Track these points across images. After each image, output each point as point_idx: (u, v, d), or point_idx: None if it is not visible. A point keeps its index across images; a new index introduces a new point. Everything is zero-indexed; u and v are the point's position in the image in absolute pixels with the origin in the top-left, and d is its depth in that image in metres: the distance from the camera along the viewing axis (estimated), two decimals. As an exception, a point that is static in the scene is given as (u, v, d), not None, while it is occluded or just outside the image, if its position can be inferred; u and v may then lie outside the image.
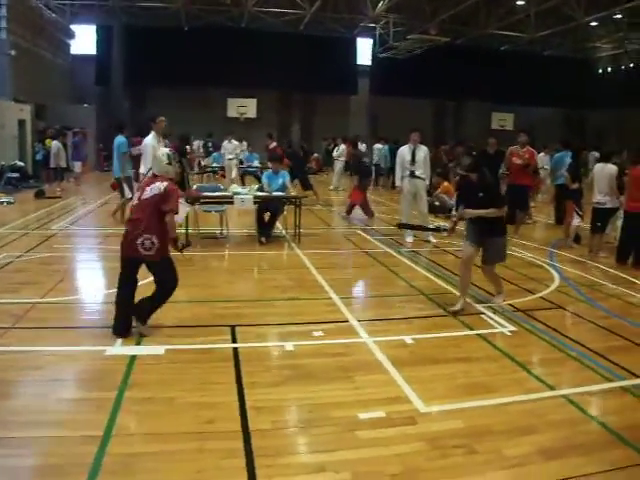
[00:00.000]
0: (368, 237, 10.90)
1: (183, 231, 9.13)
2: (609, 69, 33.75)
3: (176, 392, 4.15)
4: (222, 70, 27.46)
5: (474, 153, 6.61)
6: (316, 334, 5.43)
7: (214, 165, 20.14)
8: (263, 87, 29.00)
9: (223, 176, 19.61)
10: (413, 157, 10.11)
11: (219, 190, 10.60)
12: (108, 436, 3.48)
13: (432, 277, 7.92)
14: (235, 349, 5.00)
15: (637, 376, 4.66)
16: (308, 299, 6.72)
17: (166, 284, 5.29)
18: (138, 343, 5.07)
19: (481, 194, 6.14)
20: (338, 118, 31.20)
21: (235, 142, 19.54)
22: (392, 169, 20.84)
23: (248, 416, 3.78)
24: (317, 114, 32.10)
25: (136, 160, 10.54)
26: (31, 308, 5.96)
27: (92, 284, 7.34)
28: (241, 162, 19.40)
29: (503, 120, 33.05)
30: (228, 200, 9.81)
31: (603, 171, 9.14)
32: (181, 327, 5.55)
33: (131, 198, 11.74)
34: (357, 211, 13.19)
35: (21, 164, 19.08)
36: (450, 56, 28.91)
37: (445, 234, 8.48)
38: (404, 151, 10.28)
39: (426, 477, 3.19)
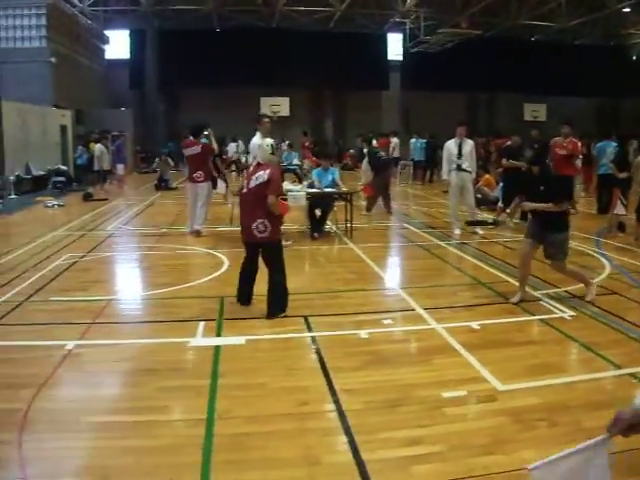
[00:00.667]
0: (417, 230, 11.15)
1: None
2: (643, 56, 33.37)
3: (265, 378, 4.45)
4: (254, 70, 27.93)
5: (536, 146, 6.74)
6: (386, 322, 5.75)
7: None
8: (295, 85, 29.40)
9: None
10: (460, 151, 10.37)
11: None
12: (212, 419, 3.78)
13: (485, 267, 8.16)
14: (313, 337, 5.31)
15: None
16: (371, 290, 7.03)
17: (279, 267, 5.87)
18: (218, 335, 5.39)
19: (542, 187, 6.19)
20: (370, 114, 31.44)
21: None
22: (428, 163, 21.34)
23: (339, 398, 4.08)
24: (349, 110, 32.38)
25: (192, 161, 10.76)
26: (106, 305, 6.34)
27: (158, 281, 7.58)
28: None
29: (536, 111, 32.94)
30: (282, 197, 10.12)
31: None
32: (256, 319, 5.85)
33: None
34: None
35: (64, 168, 19.74)
36: (481, 48, 28.98)
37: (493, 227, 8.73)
38: (451, 145, 10.53)
39: (514, 447, 3.46)
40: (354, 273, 7.82)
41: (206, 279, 7.45)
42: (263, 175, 5.73)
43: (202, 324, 5.61)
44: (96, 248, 9.44)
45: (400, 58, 32.01)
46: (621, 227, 10.71)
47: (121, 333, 5.54)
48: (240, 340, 5.22)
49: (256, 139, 9.82)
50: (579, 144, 11.99)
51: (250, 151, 10.29)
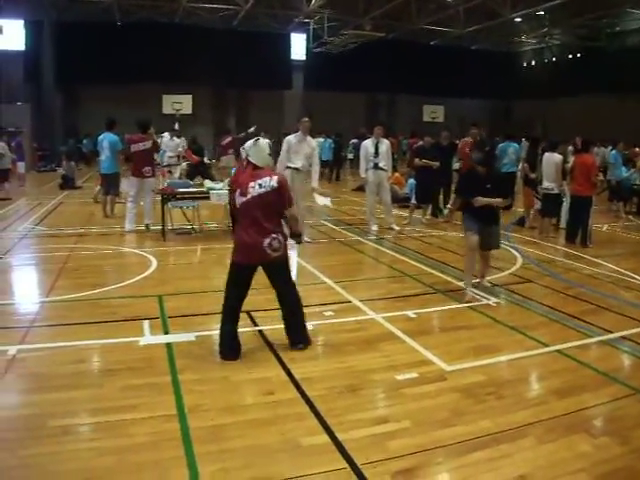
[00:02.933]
0: (335, 227, 11.50)
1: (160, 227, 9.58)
2: (533, 62, 35.75)
3: (225, 372, 4.58)
4: (157, 66, 27.36)
5: (487, 148, 7.16)
6: (327, 314, 6.00)
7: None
8: (198, 83, 29.14)
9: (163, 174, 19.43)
10: (376, 150, 10.79)
11: (190, 186, 10.93)
12: (183, 414, 3.87)
13: (407, 260, 8.62)
14: (260, 331, 5.48)
15: (610, 332, 5.56)
16: (306, 284, 7.19)
17: (292, 280, 5.22)
18: (166, 332, 5.43)
19: (489, 185, 6.57)
20: (273, 113, 31.62)
21: (177, 139, 19.02)
22: (335, 162, 21.90)
23: (302, 385, 4.30)
24: (252, 109, 32.37)
25: (141, 156, 10.79)
26: (40, 307, 6.21)
27: (89, 282, 7.33)
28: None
29: (434, 112, 34.47)
30: (204, 195, 10.17)
31: (550, 160, 10.09)
32: (200, 315, 5.96)
33: (118, 194, 12.28)
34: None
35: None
36: (382, 51, 29.97)
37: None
38: (368, 144, 10.93)
39: (471, 419, 3.84)
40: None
41: (138, 278, 7.40)
42: (269, 182, 4.80)
43: (147, 322, 5.63)
44: (12, 250, 9.10)
45: (303, 58, 32.40)
46: (521, 222, 11.56)
47: (65, 335, 5.33)
48: (190, 337, 5.28)
49: (291, 138, 9.91)
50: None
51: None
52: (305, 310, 5.89)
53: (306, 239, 9.17)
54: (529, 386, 4.44)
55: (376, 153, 10.80)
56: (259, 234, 4.78)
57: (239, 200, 4.86)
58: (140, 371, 4.57)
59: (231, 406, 4.02)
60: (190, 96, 30.02)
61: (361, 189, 17.52)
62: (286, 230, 5.10)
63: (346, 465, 3.28)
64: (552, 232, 10.55)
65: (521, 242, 10.05)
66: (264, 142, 5.03)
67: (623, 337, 5.44)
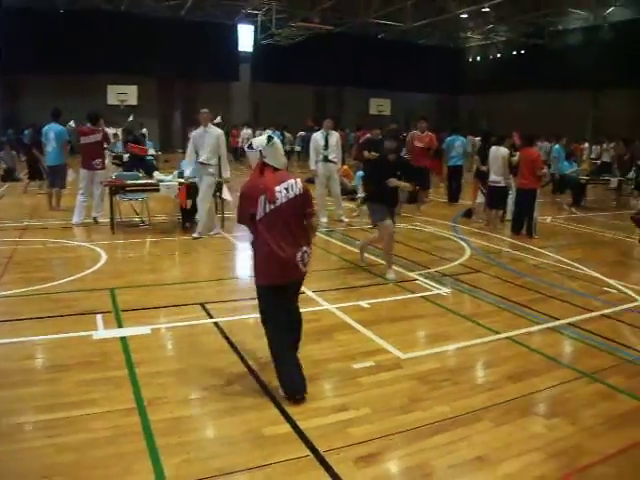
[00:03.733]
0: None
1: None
2: (478, 58, 36.51)
3: (182, 364, 4.57)
4: (101, 56, 26.61)
5: (401, 137, 7.49)
6: (282, 306, 6.02)
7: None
8: (144, 74, 28.50)
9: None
10: (326, 142, 10.84)
11: (138, 178, 10.76)
12: (142, 407, 3.83)
13: (358, 251, 8.64)
14: (215, 323, 5.46)
15: (557, 319, 5.80)
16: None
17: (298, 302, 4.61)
18: (120, 326, 5.35)
19: (399, 172, 7.06)
20: (220, 105, 31.17)
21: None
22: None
23: (260, 376, 4.32)
24: (199, 101, 31.74)
25: (91, 148, 10.60)
26: None
27: (37, 276, 7.15)
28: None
29: (381, 106, 34.72)
30: (154, 187, 10.03)
31: (497, 153, 10.35)
32: (153, 309, 5.90)
33: (64, 186, 12.02)
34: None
35: None
36: (330, 44, 30.00)
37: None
38: (318, 137, 10.97)
39: (428, 404, 3.95)
40: (235, 261, 8.01)
41: (88, 272, 7.25)
42: (295, 185, 4.13)
43: (99, 316, 5.54)
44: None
45: (251, 50, 32.18)
46: (468, 214, 11.83)
47: (15, 330, 5.21)
48: (145, 330, 5.23)
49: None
50: (434, 137, 12.99)
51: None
52: (257, 302, 5.99)
53: (217, 230, 9.80)
54: (483, 372, 4.59)
55: (326, 146, 10.85)
56: (293, 247, 4.07)
57: (266, 208, 4.04)
58: (96, 365, 4.49)
59: (190, 398, 4.02)
60: (135, 87, 29.33)
61: (309, 181, 17.61)
62: None
63: (309, 453, 3.33)
64: (498, 224, 10.83)
65: (469, 233, 10.29)
66: (279, 141, 4.32)
67: (569, 324, 5.68)
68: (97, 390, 4.07)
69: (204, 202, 9.54)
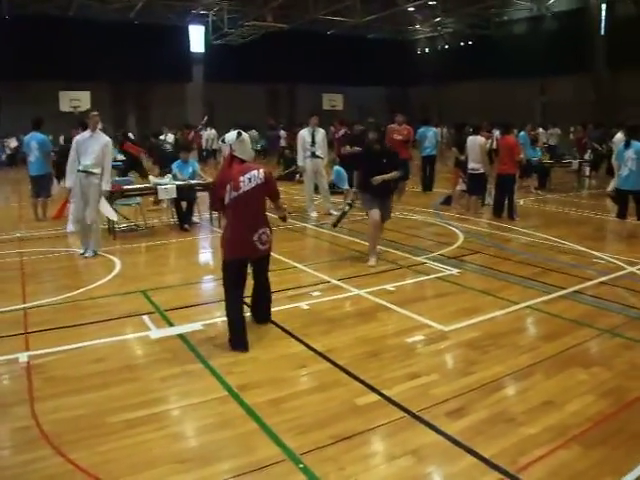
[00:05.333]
0: (274, 216, 11.70)
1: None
2: (427, 50, 37.52)
3: (253, 352, 4.86)
4: (52, 62, 26.36)
5: (382, 129, 8.09)
6: (315, 294, 6.49)
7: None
8: (96, 79, 28.26)
9: None
10: (313, 139, 11.34)
11: (133, 183, 10.99)
12: (234, 394, 4.10)
13: (361, 241, 9.15)
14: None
15: (563, 288, 6.53)
16: (277, 269, 7.51)
17: (267, 275, 5.49)
18: (171, 324, 5.58)
19: (385, 160, 7.54)
20: (175, 107, 31.28)
21: None
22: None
23: (328, 356, 4.77)
24: (153, 104, 31.87)
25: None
26: (25, 313, 6.01)
27: (60, 284, 7.26)
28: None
29: (333, 101, 35.37)
30: (151, 192, 10.30)
31: (474, 142, 11.06)
32: (193, 306, 6.18)
33: (50, 196, 11.98)
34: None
35: None
36: (281, 41, 30.35)
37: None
38: (305, 133, 11.47)
39: (484, 366, 4.55)
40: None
41: (110, 277, 7.37)
42: (257, 175, 4.96)
43: (146, 317, 5.74)
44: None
45: (203, 50, 32.23)
46: (448, 201, 12.53)
47: (69, 338, 5.25)
48: (197, 326, 5.48)
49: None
50: (412, 130, 13.62)
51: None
52: (291, 292, 6.53)
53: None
54: (519, 336, 5.23)
55: (313, 142, 11.35)
56: (251, 228, 4.96)
57: (231, 195, 4.92)
58: (169, 362, 4.68)
59: (277, 381, 4.35)
60: (88, 92, 29.05)
61: (281, 179, 18.03)
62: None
63: (404, 414, 3.84)
64: (479, 209, 11.58)
65: (453, 219, 11.00)
66: (247, 136, 5.19)
67: (575, 291, 6.41)
68: (182, 384, 4.31)
69: (94, 214, 8.57)
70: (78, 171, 8.37)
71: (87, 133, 8.48)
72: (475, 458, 3.34)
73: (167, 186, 10.24)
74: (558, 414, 3.80)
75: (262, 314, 5.57)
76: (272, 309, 5.73)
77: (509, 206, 10.81)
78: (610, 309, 5.83)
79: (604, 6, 25.95)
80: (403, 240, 9.10)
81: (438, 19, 31.49)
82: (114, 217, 9.56)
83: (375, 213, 7.62)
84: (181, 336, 5.28)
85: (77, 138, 8.53)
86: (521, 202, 12.83)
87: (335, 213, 11.62)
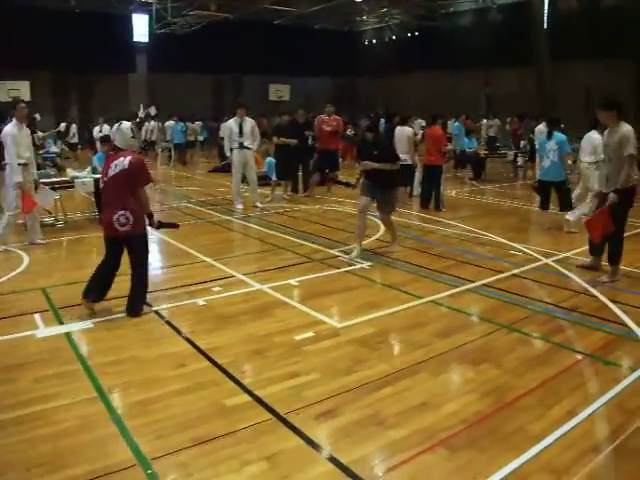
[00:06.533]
0: (201, 208, 11.53)
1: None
2: (374, 41, 37.34)
3: (133, 352, 4.68)
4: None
5: (372, 115, 7.84)
6: (215, 289, 6.23)
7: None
8: (36, 68, 27.28)
9: None
10: (241, 129, 11.02)
11: (52, 176, 10.52)
12: (103, 395, 3.93)
13: (277, 234, 8.98)
14: (156, 311, 5.59)
15: (472, 281, 6.41)
16: (187, 264, 7.40)
17: (142, 260, 5.60)
18: (61, 322, 5.33)
19: (375, 152, 7.25)
20: (117, 97, 30.42)
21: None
22: (188, 144, 21.92)
23: (210, 355, 4.54)
24: (95, 94, 30.96)
25: None
26: None
27: None
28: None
29: (280, 91, 35.02)
30: (69, 184, 9.86)
31: (402, 133, 10.90)
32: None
33: None
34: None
35: None
36: (227, 31, 29.82)
37: (351, 188, 9.16)
38: (231, 124, 11.13)
39: (370, 364, 4.34)
40: (160, 252, 8.09)
41: (14, 274, 7.01)
42: (123, 162, 5.29)
43: (37, 316, 5.48)
44: None
45: (146, 40, 31.42)
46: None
47: None
48: (88, 324, 5.26)
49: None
50: (341, 121, 13.40)
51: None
52: (193, 288, 6.30)
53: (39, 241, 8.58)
54: (414, 332, 5.01)
55: (240, 132, 11.03)
56: (111, 210, 5.33)
57: (104, 179, 5.47)
58: (47, 362, 4.51)
59: (149, 381, 4.15)
60: (27, 82, 28.10)
61: (216, 170, 17.73)
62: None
63: (271, 416, 3.61)
64: (407, 200, 11.43)
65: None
66: (126, 125, 5.50)
67: (484, 284, 6.28)
68: (56, 385, 4.11)
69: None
70: (19, 164, 8.02)
71: (18, 126, 8.07)
72: (332, 464, 3.13)
73: (85, 179, 9.84)
74: (432, 416, 3.60)
75: (130, 302, 5.57)
76: (167, 305, 5.63)
77: (436, 197, 10.69)
78: (515, 303, 5.71)
79: (547, 0, 26.16)
80: (322, 232, 8.92)
81: (385, 10, 31.30)
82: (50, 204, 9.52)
83: (362, 200, 7.48)
84: (68, 335, 5.04)
85: (14, 133, 7.98)
86: (453, 193, 12.77)
87: (260, 205, 11.37)
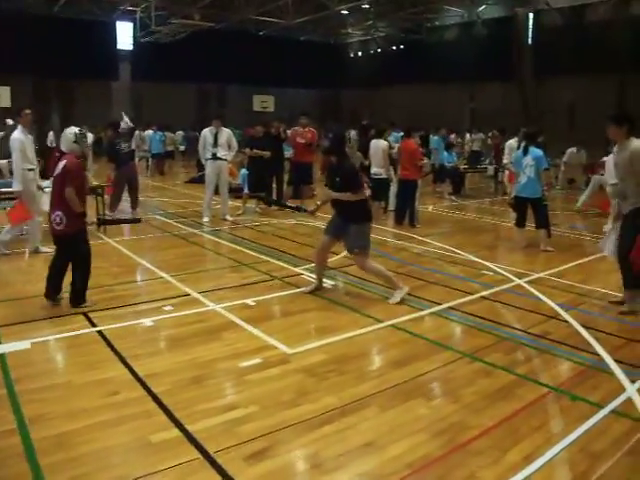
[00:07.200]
0: (169, 221, 11.11)
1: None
2: (360, 53, 37.29)
3: (67, 376, 4.37)
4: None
5: (330, 135, 7.02)
6: (167, 309, 5.88)
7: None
8: (17, 74, 26.91)
9: None
10: (216, 140, 10.69)
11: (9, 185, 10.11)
12: (23, 426, 3.61)
13: (243, 249, 8.64)
14: (99, 332, 5.23)
15: (438, 304, 6.07)
16: (142, 280, 7.10)
17: (83, 255, 5.85)
18: (-1, 342, 5.00)
19: (338, 179, 6.08)
20: (100, 105, 30.05)
21: None
22: (167, 154, 21.56)
23: (147, 383, 4.19)
24: (77, 102, 30.55)
25: None
26: None
27: None
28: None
29: (264, 102, 34.86)
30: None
31: (377, 146, 10.61)
32: (34, 321, 5.54)
33: None
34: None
35: None
36: (212, 41, 29.63)
37: (307, 214, 7.61)
38: (206, 134, 10.82)
39: (316, 397, 3.99)
40: (119, 267, 7.67)
41: None
42: (60, 166, 5.72)
43: None
44: None
45: (130, 48, 31.13)
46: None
47: None
48: (25, 344, 4.92)
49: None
50: (316, 133, 13.06)
51: None
52: (144, 306, 6.03)
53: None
54: (368, 360, 4.71)
55: (215, 143, 10.72)
56: (51, 210, 5.73)
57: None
58: None
59: (76, 411, 3.81)
60: (8, 88, 27.68)
61: (193, 181, 17.37)
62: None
63: (199, 455, 3.28)
64: (382, 215, 11.12)
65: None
66: (70, 130, 5.83)
67: (450, 307, 5.96)
68: None
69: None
70: (29, 170, 8.08)
71: (24, 132, 8.05)
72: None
73: (47, 189, 9.44)
74: (376, 459, 3.27)
75: (70, 295, 5.91)
76: (113, 326, 5.36)
77: (410, 213, 10.39)
78: (481, 328, 5.39)
79: (531, 15, 26.15)
80: (288, 248, 8.58)
81: (370, 22, 31.24)
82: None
83: (323, 238, 6.42)
84: (1, 356, 4.68)
85: (22, 139, 7.92)
86: (430, 208, 12.50)
87: (230, 219, 11.03)
